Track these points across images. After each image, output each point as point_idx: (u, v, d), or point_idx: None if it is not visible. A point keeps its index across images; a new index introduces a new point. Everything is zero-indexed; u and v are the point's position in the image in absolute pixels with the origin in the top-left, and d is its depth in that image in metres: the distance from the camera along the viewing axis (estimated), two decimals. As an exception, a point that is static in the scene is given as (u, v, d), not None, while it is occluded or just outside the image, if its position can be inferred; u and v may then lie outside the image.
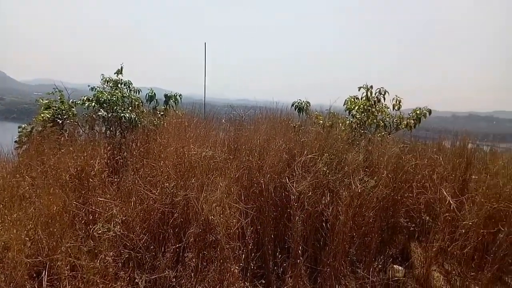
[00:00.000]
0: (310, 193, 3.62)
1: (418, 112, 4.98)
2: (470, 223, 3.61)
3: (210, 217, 3.15)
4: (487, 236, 3.83)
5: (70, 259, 2.78)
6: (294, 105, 5.38)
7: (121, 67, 4.73)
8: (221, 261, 3.13)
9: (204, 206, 3.18)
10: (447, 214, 3.64)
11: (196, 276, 3.05)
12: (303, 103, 5.36)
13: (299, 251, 3.52)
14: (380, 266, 3.78)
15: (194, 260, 3.04)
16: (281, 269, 3.53)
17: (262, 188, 3.78)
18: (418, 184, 4.03)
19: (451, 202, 3.61)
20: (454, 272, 3.88)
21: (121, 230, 2.99)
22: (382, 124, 5.03)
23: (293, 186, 3.62)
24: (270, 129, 4.47)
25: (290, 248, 3.60)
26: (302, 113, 5.38)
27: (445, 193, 3.67)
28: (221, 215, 3.16)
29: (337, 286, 3.53)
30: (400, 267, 3.93)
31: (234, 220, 3.20)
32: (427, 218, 3.80)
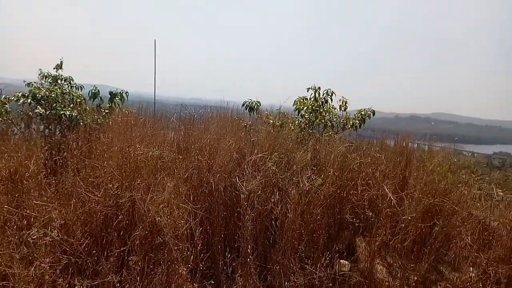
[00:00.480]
0: (260, 192, 3.65)
1: (363, 113, 5.22)
2: (409, 218, 3.83)
3: (157, 219, 3.05)
4: (424, 229, 4.08)
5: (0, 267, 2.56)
6: (245, 105, 5.41)
7: (61, 61, 4.46)
8: (169, 263, 3.05)
9: (150, 207, 3.08)
10: (388, 209, 3.83)
11: (142, 280, 2.95)
12: (254, 103, 5.40)
13: (249, 250, 3.52)
14: (327, 261, 3.90)
15: (139, 263, 2.93)
16: (231, 269, 3.52)
17: (212, 188, 3.74)
18: (363, 182, 4.20)
19: (392, 198, 3.80)
20: (395, 264, 4.09)
21: (60, 235, 2.81)
22: (330, 124, 5.20)
23: (243, 185, 3.62)
24: (220, 128, 4.44)
25: (240, 247, 3.59)
26: (253, 113, 5.41)
27: (386, 190, 3.86)
28: (169, 216, 3.08)
29: (286, 283, 3.58)
30: (346, 262, 4.07)
31: (183, 221, 3.14)
32: (371, 214, 3.98)
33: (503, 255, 3.93)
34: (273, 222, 3.76)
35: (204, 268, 3.40)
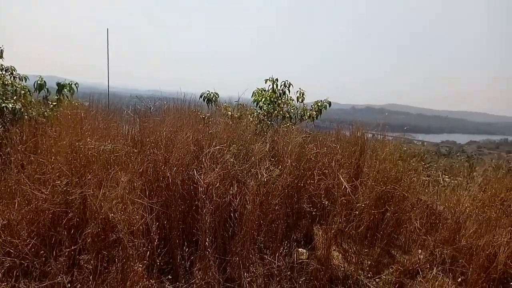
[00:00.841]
0: (218, 184, 3.62)
1: (319, 104, 5.32)
2: (363, 205, 3.98)
3: (111, 215, 2.95)
4: (377, 215, 4.26)
5: None
6: (203, 96, 5.33)
7: (1, 50, 4.14)
8: (124, 260, 2.96)
9: (103, 203, 2.96)
10: (343, 198, 3.96)
11: (95, 279, 2.84)
12: (212, 94, 5.33)
13: (208, 243, 3.50)
14: (286, 250, 3.97)
15: (92, 262, 2.81)
16: (189, 262, 3.48)
17: (168, 181, 3.66)
18: (319, 171, 4.30)
19: (347, 186, 3.93)
20: (350, 250, 4.24)
21: (2, 236, 2.63)
22: (288, 115, 5.26)
23: (201, 178, 3.58)
24: (177, 120, 4.34)
25: (198, 241, 3.56)
26: (211, 105, 5.35)
27: (341, 179, 3.98)
28: (123, 212, 2.98)
29: (245, 274, 3.60)
30: (304, 250, 4.16)
31: (138, 217, 3.05)
32: (327, 202, 4.08)
33: (448, 237, 4.20)
34: (232, 214, 3.75)
35: (162, 263, 3.34)
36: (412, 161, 5.17)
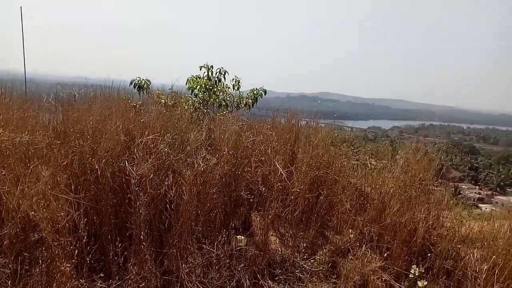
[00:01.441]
0: (152, 175, 3.48)
1: (255, 92, 5.34)
2: (298, 190, 4.11)
3: (31, 213, 2.68)
4: (311, 199, 4.43)
5: None
6: (133, 83, 5.05)
7: None
8: (49, 261, 2.73)
9: (21, 201, 2.68)
10: (279, 184, 4.05)
11: (15, 283, 2.58)
12: (143, 81, 5.07)
13: (143, 236, 3.37)
14: (224, 238, 3.98)
15: (10, 265, 2.55)
16: (123, 258, 3.32)
17: (97, 174, 3.43)
18: (256, 159, 4.34)
19: (283, 173, 4.02)
20: (287, 234, 4.38)
21: None
22: (224, 103, 5.21)
23: (133, 169, 3.41)
24: (105, 109, 4.07)
25: (133, 235, 3.41)
26: (143, 92, 5.10)
27: (277, 165, 4.06)
28: (45, 210, 2.73)
29: (183, 265, 3.54)
30: (242, 237, 4.20)
31: (63, 213, 2.82)
32: (264, 189, 4.15)
33: (375, 216, 4.51)
34: (168, 206, 3.65)
35: (92, 261, 3.15)
36: (342, 146, 5.44)
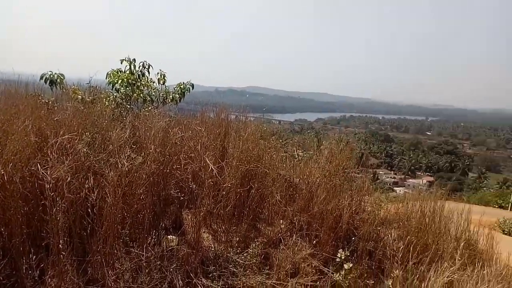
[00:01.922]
0: (70, 178, 3.19)
1: (182, 86, 5.18)
2: (229, 185, 4.09)
3: None
4: (243, 193, 4.45)
5: None
6: (44, 78, 4.56)
7: None
8: None
9: None
10: (210, 180, 3.99)
11: None
12: (56, 76, 4.62)
13: (61, 245, 3.08)
14: (154, 240, 3.81)
15: None
16: (39, 271, 3.01)
17: (3, 180, 3.05)
18: (185, 156, 4.22)
19: (213, 168, 3.96)
20: (220, 230, 4.35)
21: None
22: (149, 98, 4.97)
23: (47, 173, 3.09)
24: (11, 106, 3.63)
25: (50, 244, 3.10)
26: (56, 88, 4.64)
27: (208, 161, 4.00)
28: None
29: (110, 271, 3.32)
30: (173, 237, 4.07)
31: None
32: (194, 186, 4.06)
33: (303, 206, 4.69)
34: (89, 210, 3.38)
35: (2, 278, 2.80)
36: (271, 139, 5.55)
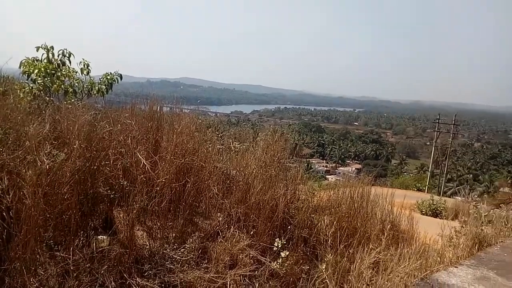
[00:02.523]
0: (-22, 180, 2.84)
1: (108, 77, 4.85)
2: (164, 180, 3.95)
3: None
4: (178, 188, 4.33)
5: None
6: None
7: None
8: None
9: None
10: (143, 175, 3.81)
11: None
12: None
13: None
14: (83, 241, 3.57)
15: None
16: None
17: None
18: (115, 151, 3.98)
19: (146, 163, 3.80)
20: (155, 227, 4.19)
21: None
22: (72, 90, 4.58)
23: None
24: None
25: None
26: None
27: (139, 156, 3.81)
28: None
29: (31, 279, 3.03)
30: (104, 237, 3.84)
31: None
32: (126, 182, 3.85)
33: (241, 197, 4.70)
34: (4, 214, 3.04)
35: None
36: (207, 132, 5.47)
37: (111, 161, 3.91)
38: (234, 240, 4.22)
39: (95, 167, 3.86)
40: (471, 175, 59.28)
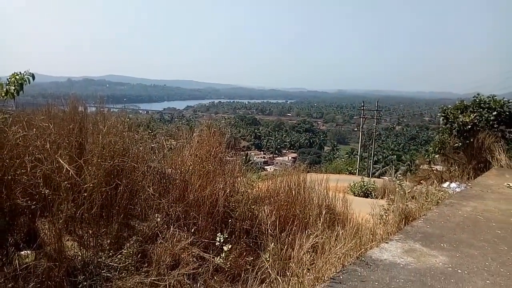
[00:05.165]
0: None
1: (17, 77, 4.34)
2: (92, 185, 3.67)
3: None
4: (110, 192, 4.06)
5: None
6: None
7: None
8: None
9: None
10: (67, 182, 3.51)
11: None
12: None
13: None
14: (3, 259, 3.20)
15: None
16: None
17: None
18: (32, 158, 3.60)
19: (69, 169, 3.49)
20: (86, 235, 3.90)
21: None
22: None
23: None
24: None
25: None
26: None
27: (61, 162, 3.49)
28: None
29: None
30: (28, 252, 3.48)
31: None
32: (48, 191, 3.51)
33: (179, 195, 4.56)
34: None
35: None
36: (139, 130, 5.21)
37: (29, 169, 3.53)
38: (175, 239, 4.08)
39: (9, 177, 3.46)
40: (395, 156, 64.50)
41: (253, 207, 4.96)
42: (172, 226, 4.23)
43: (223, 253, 3.82)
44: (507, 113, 9.34)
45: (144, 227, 4.24)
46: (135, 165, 4.25)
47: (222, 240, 3.98)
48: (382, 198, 11.61)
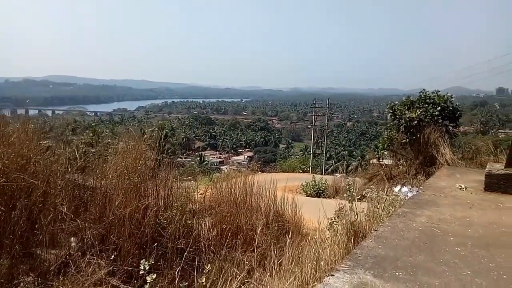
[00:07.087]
0: None
1: None
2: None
3: None
4: (4, 216, 3.27)
5: None
6: None
7: None
8: None
9: None
10: None
11: None
12: None
13: None
14: None
15: None
16: None
17: None
18: None
19: None
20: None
21: None
22: None
23: None
24: None
25: None
26: None
27: None
28: None
29: None
30: None
31: None
32: None
33: (97, 215, 3.84)
34: None
35: None
36: (48, 137, 4.39)
37: None
38: (90, 270, 3.37)
39: None
40: (347, 152, 66.25)
41: (189, 222, 4.33)
42: (88, 253, 3.52)
43: (147, 285, 3.14)
44: (451, 108, 9.46)
45: (52, 256, 3.49)
46: (34, 182, 3.45)
47: (147, 268, 3.30)
48: (334, 197, 11.42)
